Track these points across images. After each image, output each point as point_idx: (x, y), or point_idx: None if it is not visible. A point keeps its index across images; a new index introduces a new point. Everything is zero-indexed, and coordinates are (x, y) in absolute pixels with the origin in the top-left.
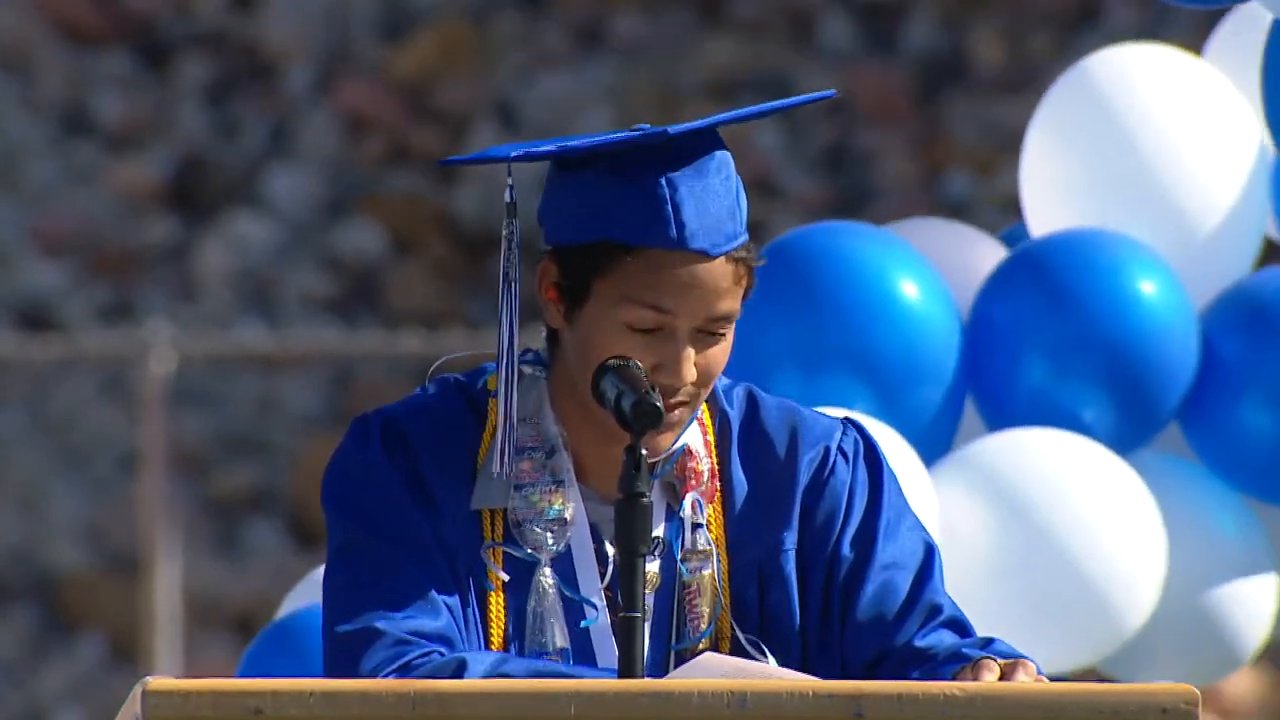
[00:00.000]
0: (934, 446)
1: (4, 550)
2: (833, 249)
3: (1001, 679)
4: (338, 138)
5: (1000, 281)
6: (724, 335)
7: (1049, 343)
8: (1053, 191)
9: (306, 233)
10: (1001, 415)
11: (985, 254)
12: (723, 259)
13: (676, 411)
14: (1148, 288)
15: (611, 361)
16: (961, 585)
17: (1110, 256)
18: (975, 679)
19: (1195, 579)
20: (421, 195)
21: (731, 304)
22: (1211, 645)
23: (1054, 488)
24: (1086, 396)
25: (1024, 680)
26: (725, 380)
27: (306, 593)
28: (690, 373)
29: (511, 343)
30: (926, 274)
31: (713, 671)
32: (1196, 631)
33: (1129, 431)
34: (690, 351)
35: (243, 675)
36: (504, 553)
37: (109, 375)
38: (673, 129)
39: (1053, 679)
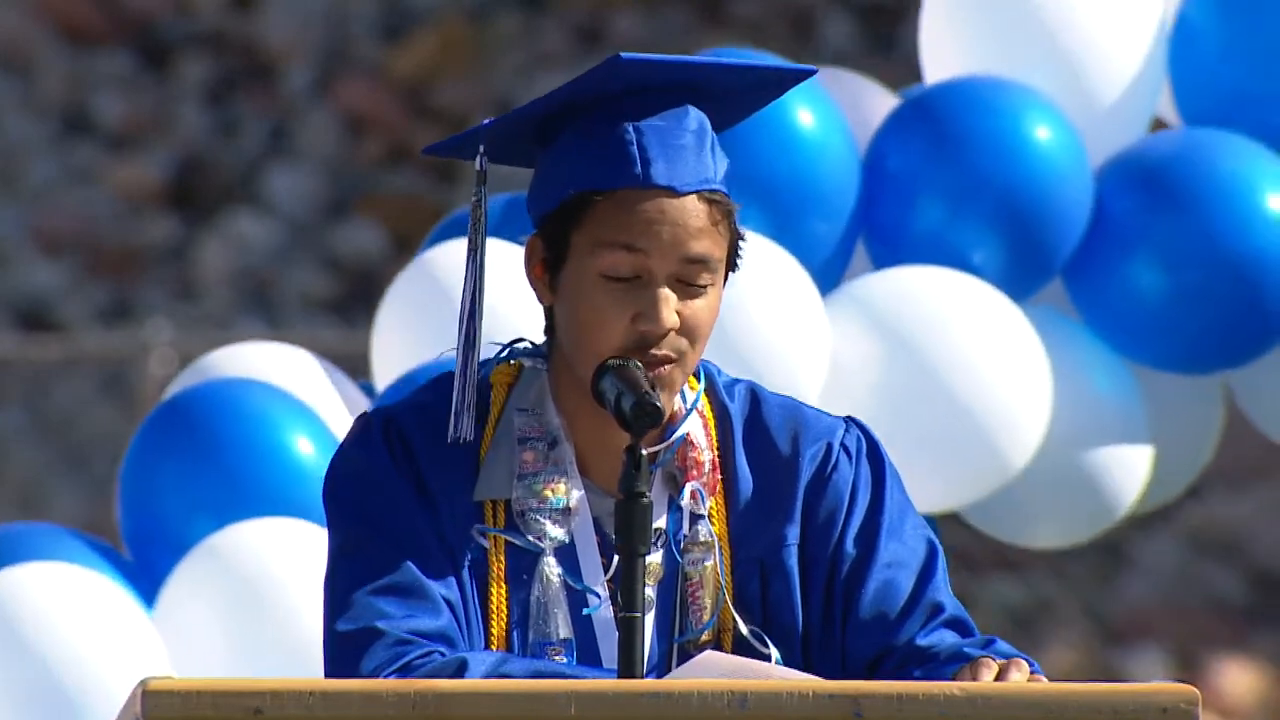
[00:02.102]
0: (825, 282)
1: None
2: None
3: (998, 678)
4: (338, 138)
5: (896, 124)
6: (705, 289)
7: (941, 185)
8: (952, 42)
9: (306, 232)
10: (893, 255)
11: (886, 105)
12: (694, 198)
13: (665, 368)
14: (1043, 134)
15: (611, 362)
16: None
17: (1008, 102)
18: (974, 678)
19: (1072, 437)
20: (421, 195)
21: (707, 248)
22: (1085, 503)
23: (942, 325)
24: (977, 239)
25: (1017, 678)
26: (726, 376)
27: (193, 377)
28: (670, 316)
29: (475, 301)
30: (826, 108)
31: (713, 670)
32: (1071, 489)
33: (1018, 277)
34: (668, 293)
35: (132, 459)
36: (506, 542)
37: (109, 375)
38: (624, 56)
39: (930, 518)
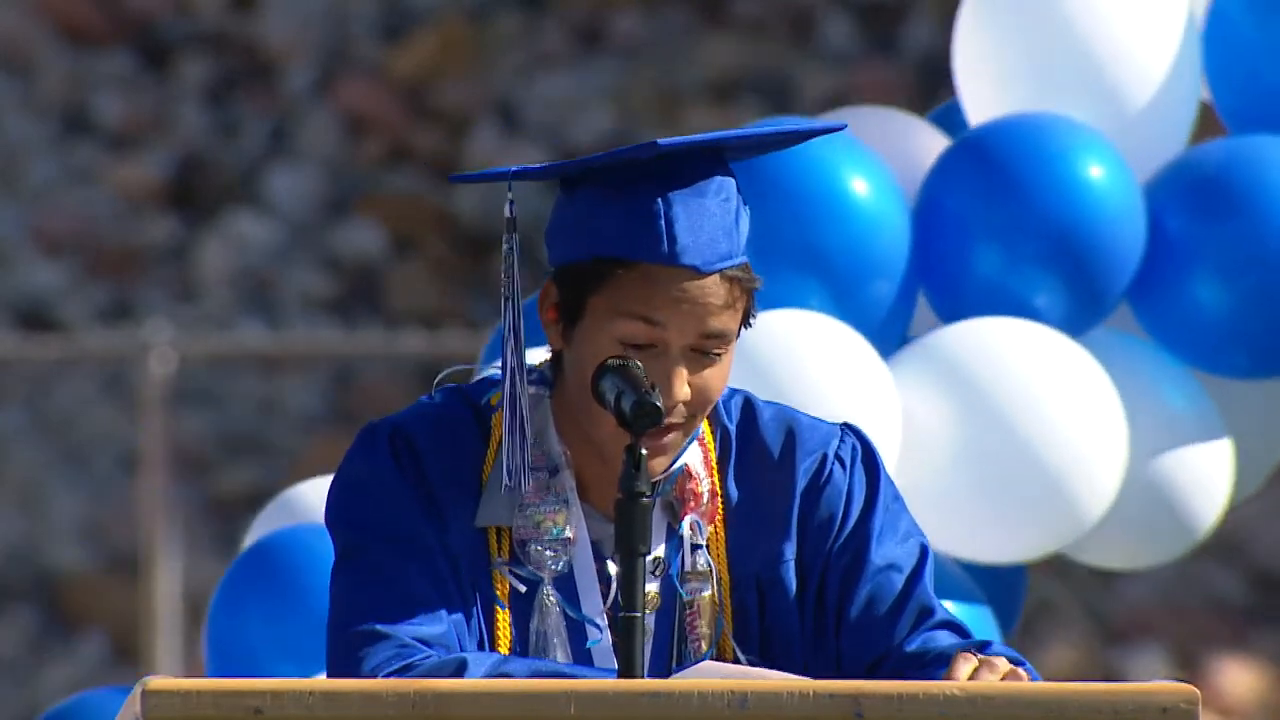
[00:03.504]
0: (889, 340)
1: (4, 550)
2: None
3: (972, 677)
4: (338, 138)
5: (946, 170)
6: (719, 357)
7: (997, 230)
8: (987, 75)
9: (306, 232)
10: (954, 305)
11: (926, 142)
12: (716, 277)
13: (670, 436)
14: (1094, 170)
15: (611, 361)
16: (923, 478)
17: (1055, 140)
18: (952, 674)
19: (1151, 456)
20: (421, 195)
21: (725, 323)
22: (1170, 521)
23: (1011, 375)
24: (1037, 282)
25: (989, 679)
26: (724, 390)
27: (275, 518)
28: (683, 391)
29: (519, 358)
30: (874, 167)
31: (713, 675)
32: (1155, 509)
33: (1080, 315)
34: (683, 370)
35: (220, 603)
36: (510, 571)
37: (109, 375)
38: (662, 142)
39: (1014, 567)
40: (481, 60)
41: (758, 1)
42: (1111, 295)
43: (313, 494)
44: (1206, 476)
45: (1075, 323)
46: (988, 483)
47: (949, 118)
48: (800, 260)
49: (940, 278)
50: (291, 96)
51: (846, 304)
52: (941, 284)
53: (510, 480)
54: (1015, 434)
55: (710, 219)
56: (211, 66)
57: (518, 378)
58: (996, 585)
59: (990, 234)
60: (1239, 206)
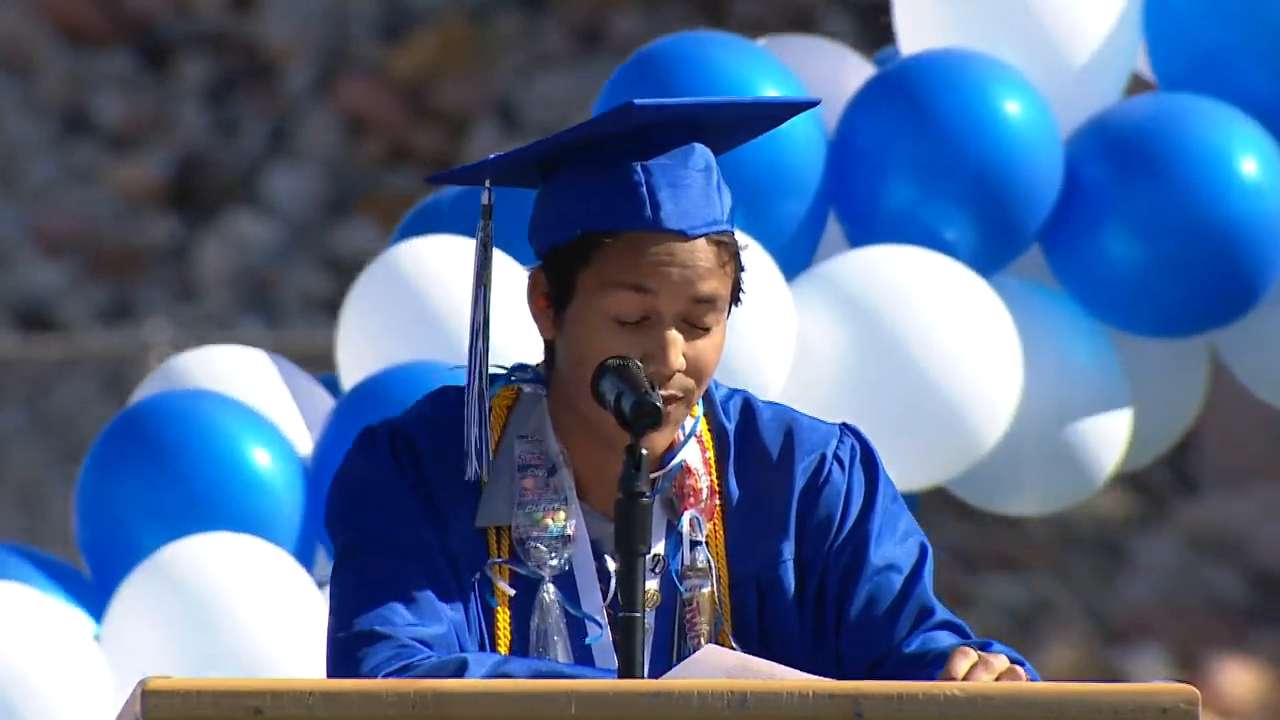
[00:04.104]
0: (795, 261)
1: None
2: (700, 59)
3: (966, 677)
4: (338, 138)
5: (866, 100)
6: (711, 329)
7: (912, 162)
8: (926, 21)
9: (306, 232)
10: (865, 233)
11: (853, 72)
12: (703, 241)
13: (670, 407)
14: (1013, 108)
15: (611, 362)
16: (816, 401)
17: (974, 75)
18: (950, 670)
19: (1050, 404)
20: (421, 195)
21: (715, 288)
22: (1065, 470)
23: (909, 304)
24: (949, 216)
25: (985, 679)
26: (723, 389)
27: (159, 382)
28: (678, 359)
29: (480, 337)
30: (792, 86)
31: (715, 665)
32: (1051, 456)
33: (990, 252)
34: (676, 335)
35: (90, 468)
36: (509, 570)
37: (109, 375)
38: (637, 102)
39: (910, 496)
40: (481, 60)
41: (758, 1)
42: (1023, 235)
43: (195, 363)
44: (1104, 430)
45: (985, 260)
46: (878, 410)
47: (890, 60)
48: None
49: (853, 205)
50: (291, 96)
51: (755, 221)
52: (854, 211)
53: (477, 471)
54: (908, 363)
55: (692, 185)
56: (211, 66)
57: (481, 366)
58: None
59: (905, 165)
60: (1159, 165)
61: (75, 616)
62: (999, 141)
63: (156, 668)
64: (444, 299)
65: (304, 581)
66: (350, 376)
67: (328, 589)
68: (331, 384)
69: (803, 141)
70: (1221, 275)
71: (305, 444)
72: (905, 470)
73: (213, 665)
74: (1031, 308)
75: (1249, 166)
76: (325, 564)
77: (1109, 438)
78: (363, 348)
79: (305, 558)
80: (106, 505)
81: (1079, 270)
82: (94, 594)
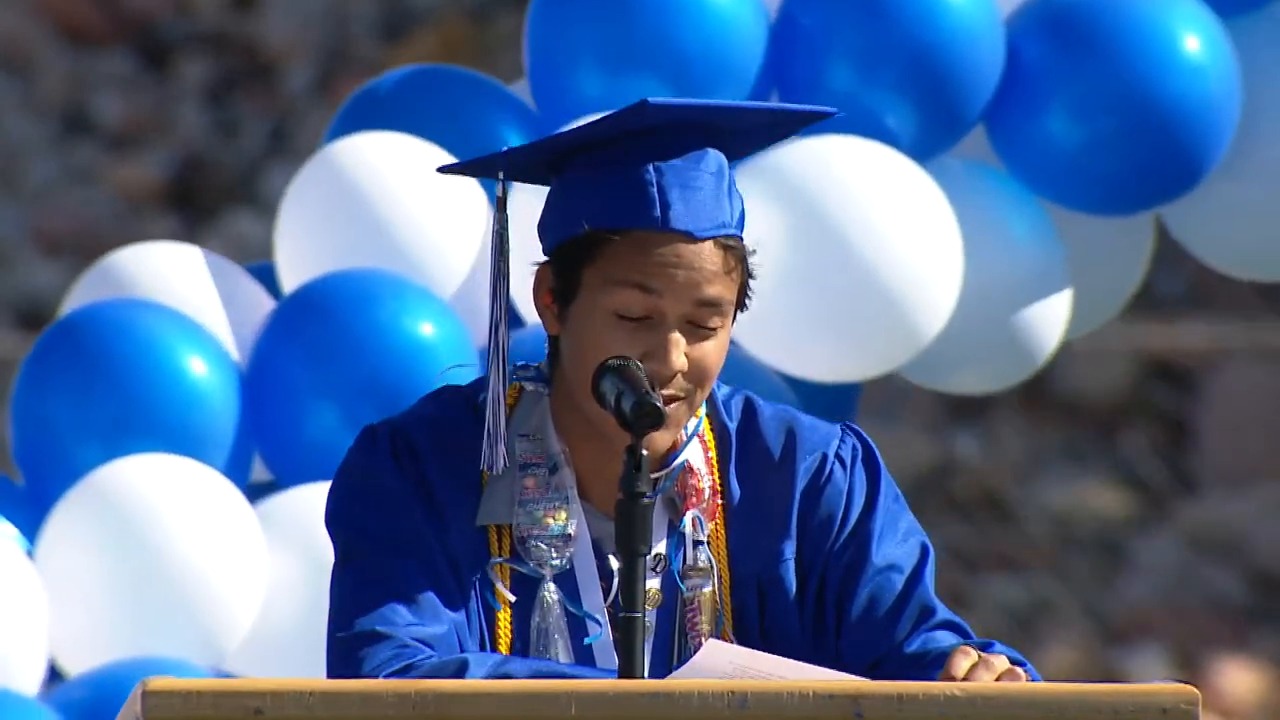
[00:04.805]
0: None
1: None
2: None
3: (966, 677)
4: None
5: None
6: (715, 331)
7: (852, 47)
8: None
9: None
10: None
11: None
12: (710, 244)
13: (671, 407)
14: None
15: (612, 362)
16: (759, 292)
17: None
18: (950, 670)
19: (992, 284)
20: None
21: (720, 291)
22: (1006, 349)
23: (848, 194)
24: (890, 102)
25: (985, 678)
26: (725, 389)
27: (87, 292)
28: (679, 360)
29: (498, 330)
30: None
31: (718, 659)
32: (993, 335)
33: (933, 134)
34: (679, 337)
35: (24, 380)
36: (510, 569)
37: None
38: (652, 100)
39: (845, 386)
40: (481, 60)
41: None
42: (964, 118)
43: (131, 264)
44: (1045, 306)
45: (928, 142)
46: (821, 301)
47: None
48: (651, 60)
49: (793, 89)
50: (291, 96)
51: None
52: (794, 96)
53: (493, 462)
54: (849, 253)
55: (703, 187)
56: (211, 66)
57: (501, 359)
58: (826, 405)
59: (845, 51)
60: (1100, 44)
61: (7, 530)
62: (939, 25)
63: (92, 588)
64: (383, 197)
65: (238, 502)
66: (289, 275)
67: (262, 507)
68: (266, 275)
69: (744, 25)
70: (1165, 153)
71: (242, 344)
72: (851, 361)
73: (145, 584)
74: (973, 188)
75: (1191, 43)
76: (261, 470)
77: (1051, 312)
78: (302, 245)
79: (240, 466)
80: (40, 416)
81: (1023, 150)
82: (28, 505)
